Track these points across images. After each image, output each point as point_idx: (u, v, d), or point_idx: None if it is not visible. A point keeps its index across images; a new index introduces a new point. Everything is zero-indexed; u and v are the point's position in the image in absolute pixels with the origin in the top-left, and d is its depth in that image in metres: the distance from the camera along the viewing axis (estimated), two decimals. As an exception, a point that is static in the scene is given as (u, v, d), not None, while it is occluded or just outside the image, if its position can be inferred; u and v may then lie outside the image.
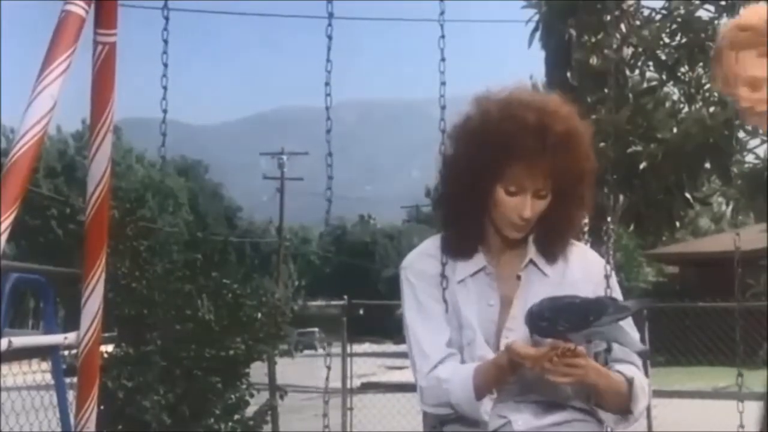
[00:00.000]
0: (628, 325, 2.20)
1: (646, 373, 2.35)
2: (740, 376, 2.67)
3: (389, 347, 34.43)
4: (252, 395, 6.94)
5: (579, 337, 2.09)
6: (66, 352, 5.07)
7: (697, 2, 8.27)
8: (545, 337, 2.07)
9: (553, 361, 2.04)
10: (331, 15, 2.52)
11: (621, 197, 8.24)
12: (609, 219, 3.05)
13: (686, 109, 8.46)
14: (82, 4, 2.13)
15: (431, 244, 2.32)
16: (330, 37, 2.48)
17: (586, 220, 2.52)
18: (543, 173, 2.17)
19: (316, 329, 32.81)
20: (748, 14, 2.82)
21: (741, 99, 2.80)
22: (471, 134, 2.22)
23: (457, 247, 2.26)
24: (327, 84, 2.44)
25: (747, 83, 2.78)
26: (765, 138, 7.81)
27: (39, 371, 5.37)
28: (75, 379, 2.72)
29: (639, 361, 2.26)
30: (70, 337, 4.17)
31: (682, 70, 8.41)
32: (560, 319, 2.07)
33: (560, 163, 2.17)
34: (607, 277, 2.25)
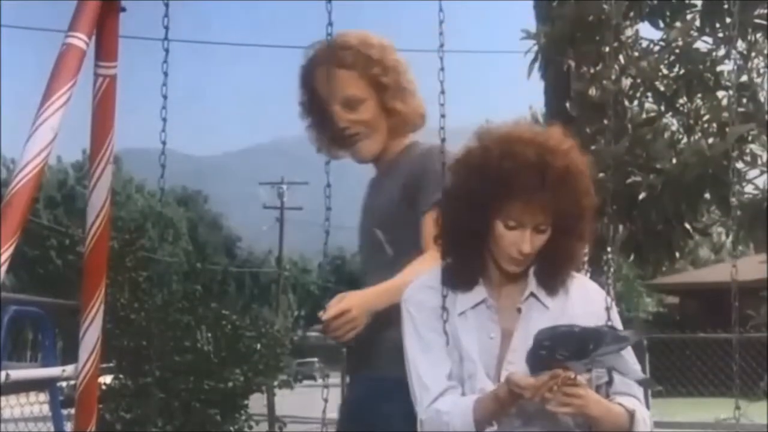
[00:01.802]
0: (628, 354, 2.19)
1: (647, 405, 2.33)
2: (738, 409, 2.65)
3: (389, 378, 34.16)
4: (251, 427, 6.92)
5: (579, 366, 2.08)
6: (64, 383, 5.05)
7: (695, 34, 8.31)
8: (544, 367, 2.06)
9: (552, 391, 2.03)
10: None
11: (620, 227, 8.23)
12: (609, 249, 3.03)
13: (685, 139, 8.46)
14: (83, 37, 2.15)
15: (432, 276, 2.31)
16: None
17: (586, 251, 2.51)
18: (543, 209, 2.17)
19: (315, 359, 32.65)
20: (349, 35, 2.74)
21: (338, 118, 2.72)
22: (471, 169, 2.22)
23: (457, 279, 2.25)
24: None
25: (344, 103, 2.71)
26: (764, 169, 7.82)
27: (37, 403, 5.34)
28: (73, 411, 2.70)
29: (640, 393, 2.25)
30: (68, 369, 4.16)
31: (681, 101, 8.42)
32: (559, 347, 2.06)
33: (560, 199, 2.16)
34: (607, 309, 2.24)
